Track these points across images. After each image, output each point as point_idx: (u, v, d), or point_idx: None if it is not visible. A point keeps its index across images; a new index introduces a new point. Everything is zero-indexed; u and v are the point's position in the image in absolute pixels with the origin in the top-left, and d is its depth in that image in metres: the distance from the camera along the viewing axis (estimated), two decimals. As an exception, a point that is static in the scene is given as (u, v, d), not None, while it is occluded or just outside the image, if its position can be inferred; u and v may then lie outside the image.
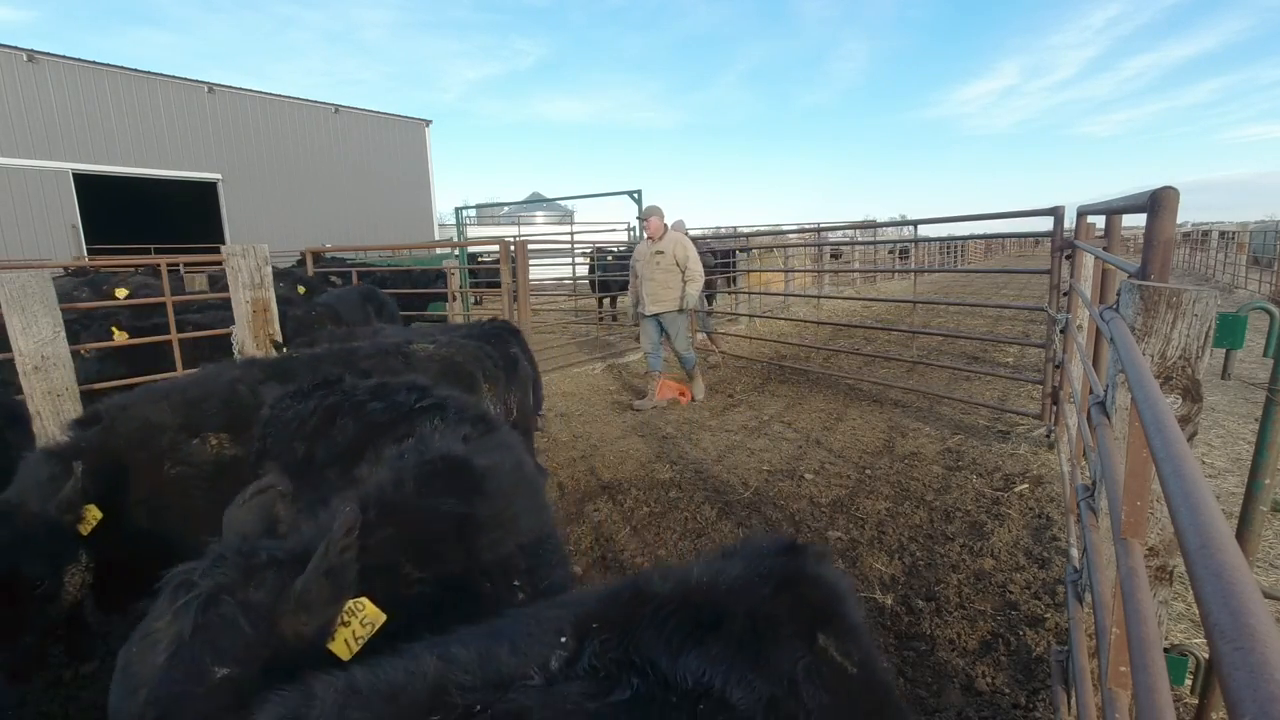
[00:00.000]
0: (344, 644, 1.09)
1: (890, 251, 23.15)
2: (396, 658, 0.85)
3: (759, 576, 0.95)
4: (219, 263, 4.87)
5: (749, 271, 12.31)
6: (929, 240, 24.58)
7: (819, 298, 10.56)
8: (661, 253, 6.31)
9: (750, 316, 11.12)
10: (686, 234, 7.23)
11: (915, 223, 7.69)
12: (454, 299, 9.91)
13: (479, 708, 0.75)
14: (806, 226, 11.53)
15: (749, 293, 12.18)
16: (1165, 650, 1.33)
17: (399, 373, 2.75)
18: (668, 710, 0.76)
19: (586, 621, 0.85)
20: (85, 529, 2.09)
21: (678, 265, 6.31)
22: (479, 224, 27.50)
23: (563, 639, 0.82)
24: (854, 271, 11.95)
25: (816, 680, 0.85)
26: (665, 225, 6.48)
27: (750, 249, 13.26)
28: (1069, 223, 5.09)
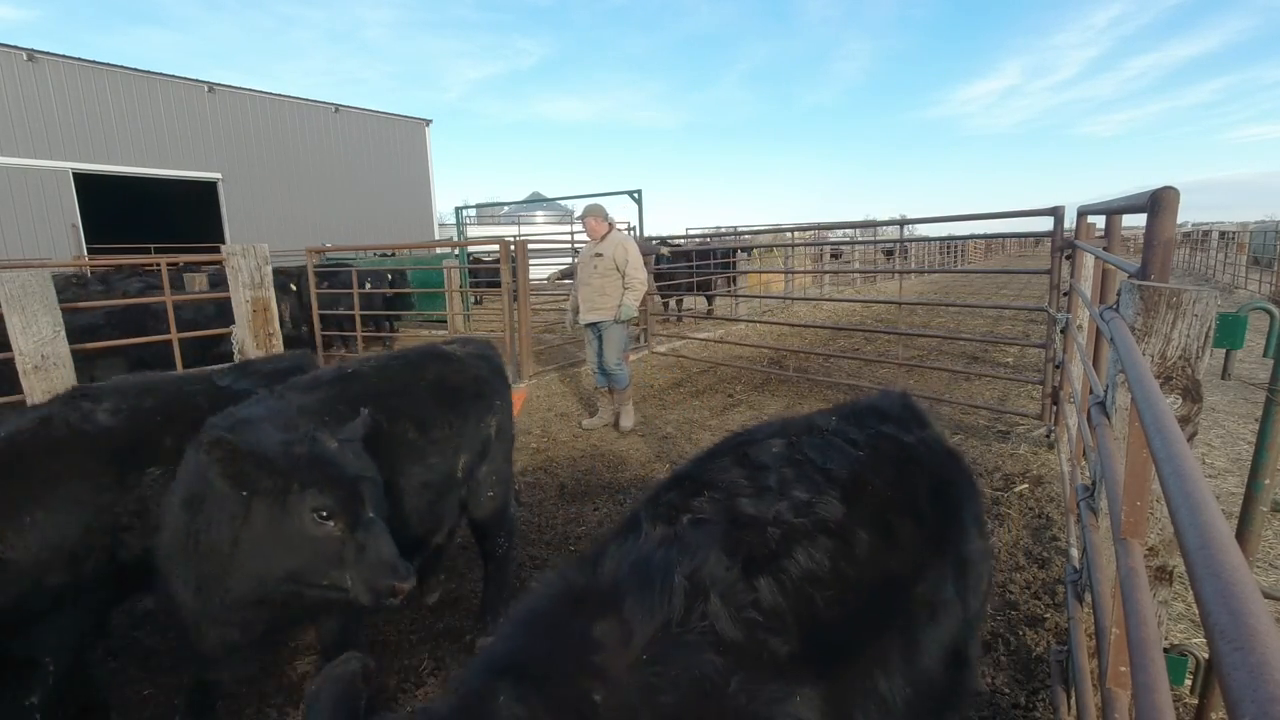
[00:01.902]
0: None
1: (887, 253, 23.15)
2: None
3: (892, 403, 1.76)
4: (219, 263, 4.88)
5: (749, 273, 12.30)
6: (928, 240, 24.58)
7: (817, 300, 10.59)
8: (600, 255, 5.66)
9: (750, 322, 11.12)
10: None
11: (912, 222, 7.68)
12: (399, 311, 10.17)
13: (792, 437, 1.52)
14: (805, 226, 11.55)
15: (749, 296, 12.20)
16: (1165, 650, 1.33)
17: (460, 372, 2.86)
18: (879, 439, 1.53)
19: (841, 410, 1.70)
20: None
21: (617, 269, 5.63)
22: (479, 224, 27.49)
23: (832, 417, 1.63)
24: (854, 272, 11.96)
25: (929, 443, 1.62)
26: (610, 225, 5.82)
27: (751, 247, 13.27)
28: (1069, 223, 5.09)
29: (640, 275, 5.68)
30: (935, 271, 21.85)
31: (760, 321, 10.82)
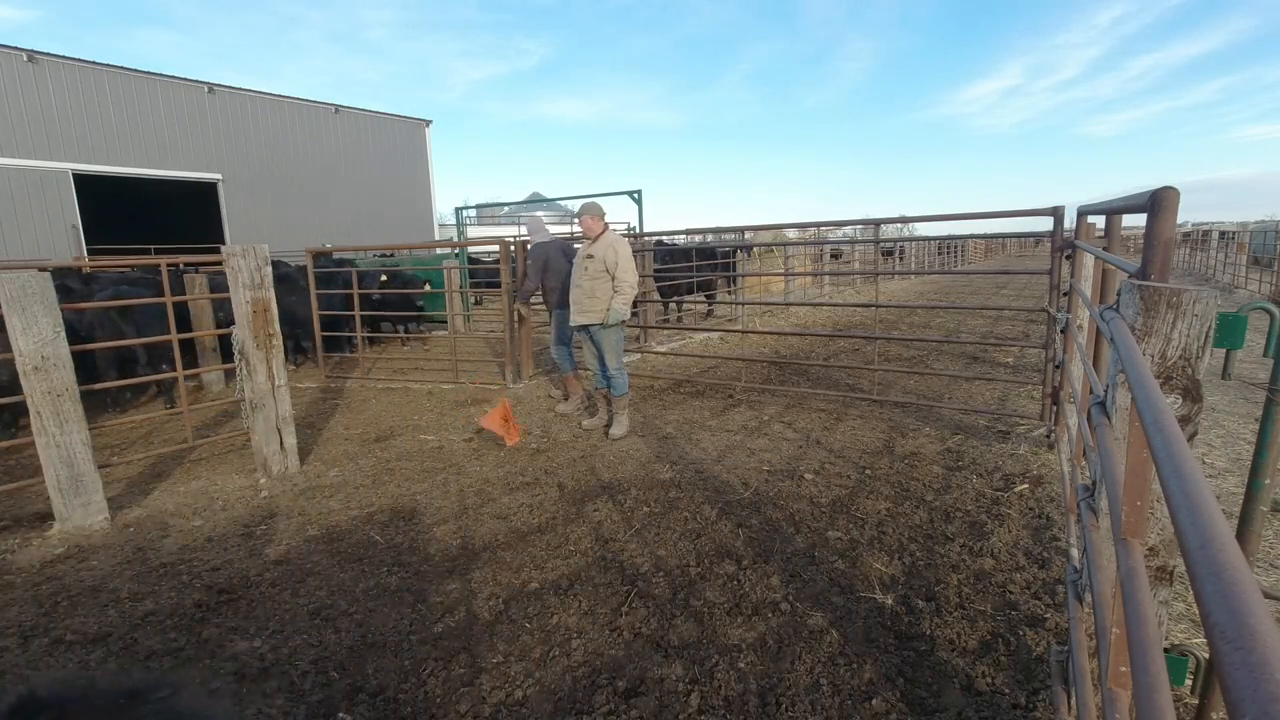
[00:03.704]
0: None
1: (887, 253, 23.16)
2: None
3: None
4: (219, 263, 4.88)
5: (749, 275, 12.32)
6: (929, 239, 24.59)
7: (814, 305, 10.62)
8: (591, 257, 5.51)
9: (747, 333, 11.11)
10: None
11: (911, 220, 7.70)
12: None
13: None
14: (804, 224, 11.58)
15: (746, 303, 12.21)
16: (1165, 650, 1.33)
17: None
18: None
19: None
20: None
21: (607, 271, 5.47)
22: (479, 224, 27.52)
23: None
24: (854, 274, 11.98)
25: None
26: (605, 225, 5.68)
27: (751, 245, 13.28)
28: (1069, 223, 5.09)
29: (630, 279, 5.50)
30: (935, 272, 21.86)
31: (757, 332, 10.81)
